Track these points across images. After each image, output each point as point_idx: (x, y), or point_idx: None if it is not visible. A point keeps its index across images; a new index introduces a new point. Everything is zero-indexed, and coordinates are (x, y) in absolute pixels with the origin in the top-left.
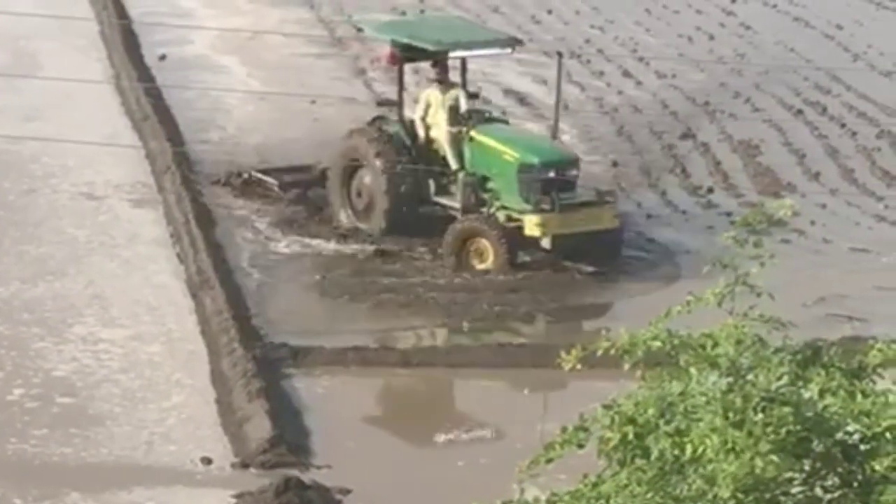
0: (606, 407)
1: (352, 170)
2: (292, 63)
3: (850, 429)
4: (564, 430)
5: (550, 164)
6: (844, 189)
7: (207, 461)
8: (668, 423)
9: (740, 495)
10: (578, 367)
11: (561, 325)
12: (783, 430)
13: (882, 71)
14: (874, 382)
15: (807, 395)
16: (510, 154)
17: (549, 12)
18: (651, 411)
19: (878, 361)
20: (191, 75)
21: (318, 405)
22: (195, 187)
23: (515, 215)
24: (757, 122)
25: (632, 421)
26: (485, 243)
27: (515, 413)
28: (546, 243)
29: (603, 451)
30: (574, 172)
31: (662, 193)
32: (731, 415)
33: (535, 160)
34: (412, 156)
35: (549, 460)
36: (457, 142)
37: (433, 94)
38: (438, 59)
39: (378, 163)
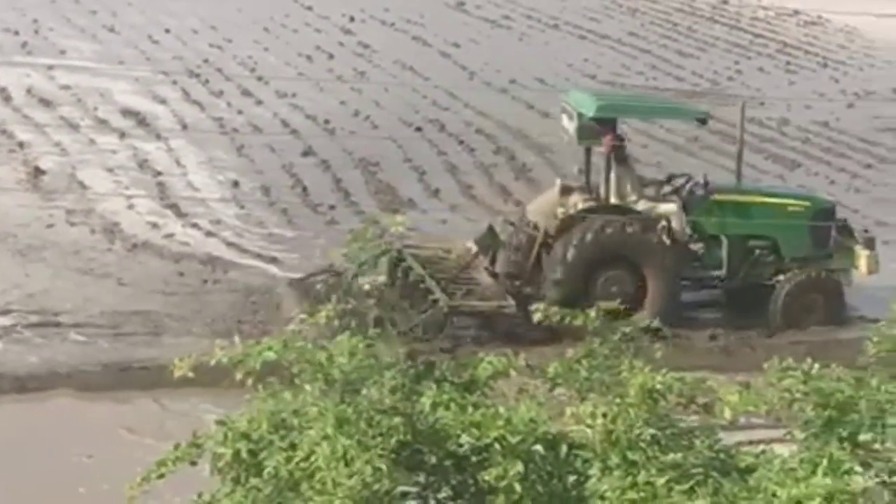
0: (220, 423)
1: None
2: None
3: (461, 441)
4: (177, 446)
5: (833, 207)
6: (464, 204)
7: None
8: (282, 438)
9: None
10: (191, 374)
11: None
12: (394, 440)
13: (498, 88)
14: (485, 395)
15: (419, 408)
16: (798, 204)
17: (167, 31)
18: (265, 426)
19: (489, 374)
20: None
21: None
22: None
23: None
24: (377, 139)
25: (245, 437)
26: (816, 296)
27: (138, 435)
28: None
29: (216, 469)
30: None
31: (283, 211)
32: (343, 425)
33: (827, 205)
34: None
35: (161, 476)
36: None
37: (620, 170)
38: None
39: (667, 250)
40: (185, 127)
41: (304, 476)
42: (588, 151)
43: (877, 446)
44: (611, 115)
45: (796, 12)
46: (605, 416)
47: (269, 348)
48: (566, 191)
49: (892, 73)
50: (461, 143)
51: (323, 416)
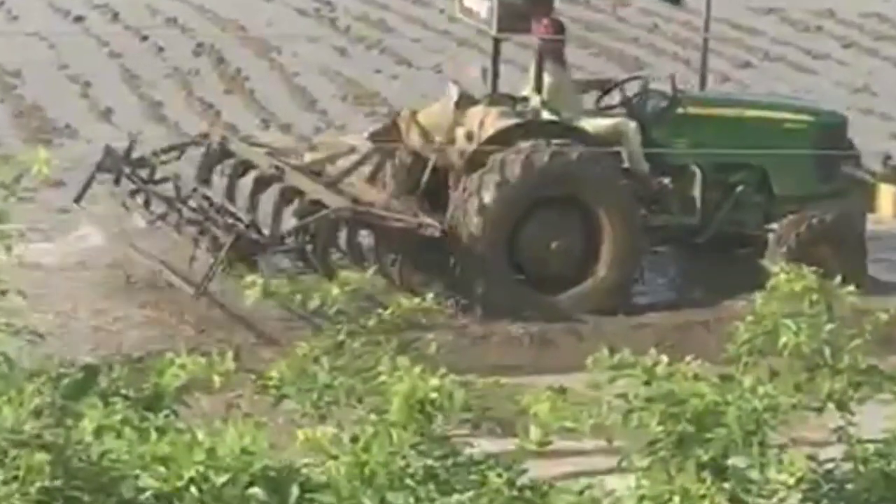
0: None
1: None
2: None
3: (141, 483)
4: None
5: (845, 122)
6: None
7: None
8: None
9: None
10: None
11: None
12: (37, 484)
13: None
14: (175, 415)
15: (77, 436)
16: (798, 119)
17: None
18: None
19: (181, 383)
20: None
21: None
22: None
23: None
24: None
25: None
26: (826, 250)
27: None
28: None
29: None
30: None
31: None
32: None
33: (838, 119)
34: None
35: None
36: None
37: (555, 71)
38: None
39: (628, 186)
40: None
41: None
42: (497, 44)
43: (753, 474)
44: None
45: None
46: (355, 440)
47: None
48: (466, 103)
49: None
50: None
51: None
